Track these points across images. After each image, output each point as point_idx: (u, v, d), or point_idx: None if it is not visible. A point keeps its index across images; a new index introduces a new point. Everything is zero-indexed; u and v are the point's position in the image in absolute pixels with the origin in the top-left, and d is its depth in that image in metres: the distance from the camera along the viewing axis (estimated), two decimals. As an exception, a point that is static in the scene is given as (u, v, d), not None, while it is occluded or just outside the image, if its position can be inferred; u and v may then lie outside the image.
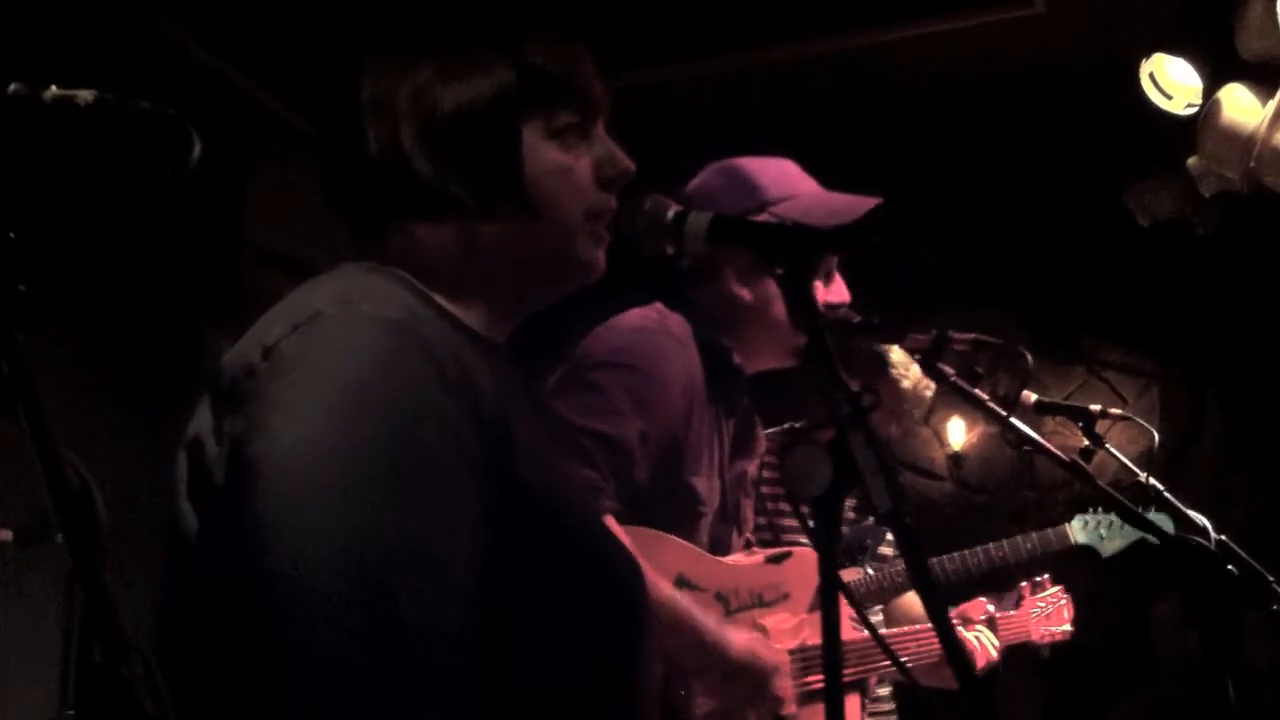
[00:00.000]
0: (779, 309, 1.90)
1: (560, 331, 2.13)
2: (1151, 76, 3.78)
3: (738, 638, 1.84)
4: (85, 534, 0.70)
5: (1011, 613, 2.68)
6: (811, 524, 1.11)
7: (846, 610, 1.28)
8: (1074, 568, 2.92)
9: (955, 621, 2.50)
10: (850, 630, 2.02)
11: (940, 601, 1.05)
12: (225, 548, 0.93)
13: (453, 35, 1.16)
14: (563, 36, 1.17)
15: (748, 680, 1.82)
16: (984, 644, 2.47)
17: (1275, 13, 3.20)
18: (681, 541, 1.89)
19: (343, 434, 0.93)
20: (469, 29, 1.16)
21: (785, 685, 1.85)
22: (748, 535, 2.11)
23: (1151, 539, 2.27)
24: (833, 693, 1.08)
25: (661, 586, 1.77)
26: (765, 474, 2.39)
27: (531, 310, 1.21)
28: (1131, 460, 2.24)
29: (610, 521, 1.73)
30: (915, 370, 2.98)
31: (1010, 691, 4.47)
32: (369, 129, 1.11)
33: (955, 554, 3.03)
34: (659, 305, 1.95)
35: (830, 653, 1.07)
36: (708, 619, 1.81)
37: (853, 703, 2.12)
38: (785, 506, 2.71)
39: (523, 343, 1.25)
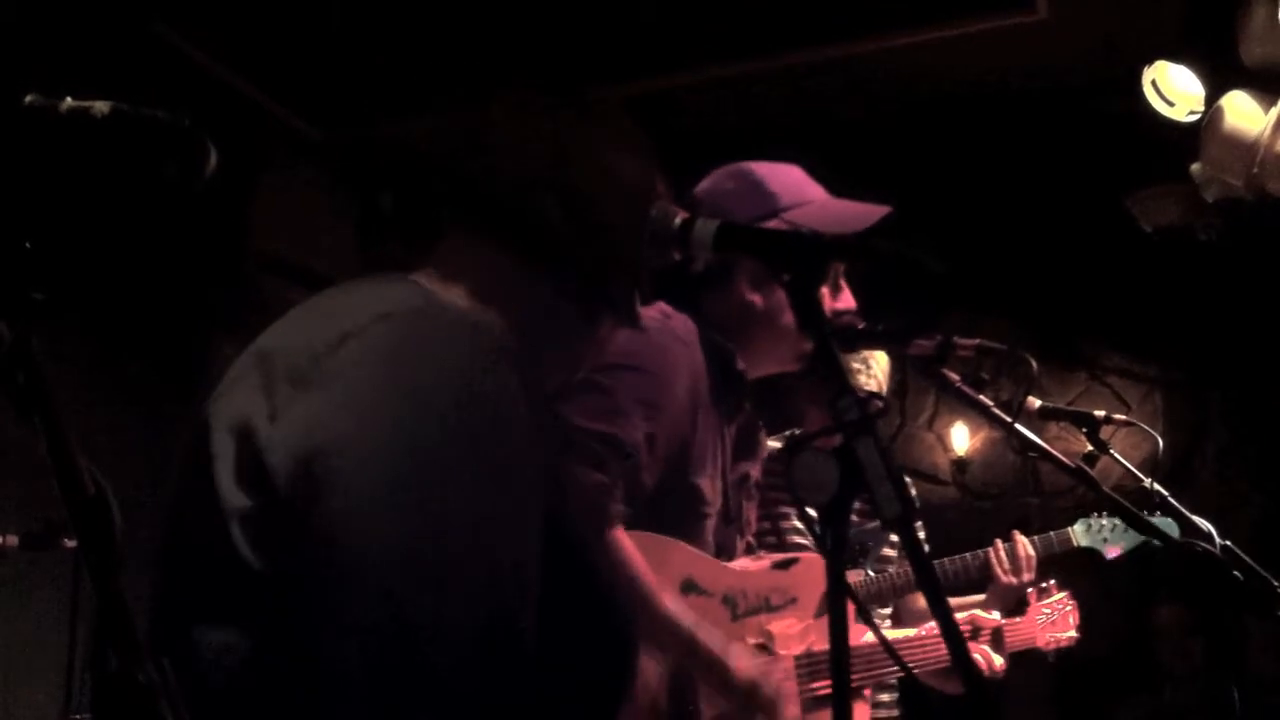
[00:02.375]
0: (789, 316, 1.90)
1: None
2: (1154, 84, 3.78)
3: (742, 662, 1.82)
4: (101, 542, 0.70)
5: (1018, 619, 2.68)
6: (818, 530, 1.10)
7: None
8: (1077, 574, 2.92)
9: (965, 629, 2.50)
10: (855, 636, 2.02)
11: (947, 609, 1.05)
12: (287, 527, 0.92)
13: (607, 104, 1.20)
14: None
15: (750, 701, 1.81)
16: (990, 656, 2.49)
17: (1277, 19, 3.21)
18: (688, 546, 1.88)
19: (419, 434, 0.93)
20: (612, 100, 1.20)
21: (791, 710, 1.85)
22: (749, 539, 2.11)
23: (1155, 542, 2.27)
24: (840, 698, 1.08)
25: (665, 602, 1.77)
26: (768, 478, 2.39)
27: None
28: (1135, 466, 2.25)
29: (619, 532, 1.73)
30: (880, 369, 2.99)
31: (1015, 699, 4.46)
32: (499, 154, 1.12)
33: (955, 556, 3.02)
34: (663, 305, 1.95)
35: (838, 658, 1.07)
36: (712, 638, 1.80)
37: (861, 710, 2.12)
38: (788, 510, 2.71)
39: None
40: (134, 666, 0.67)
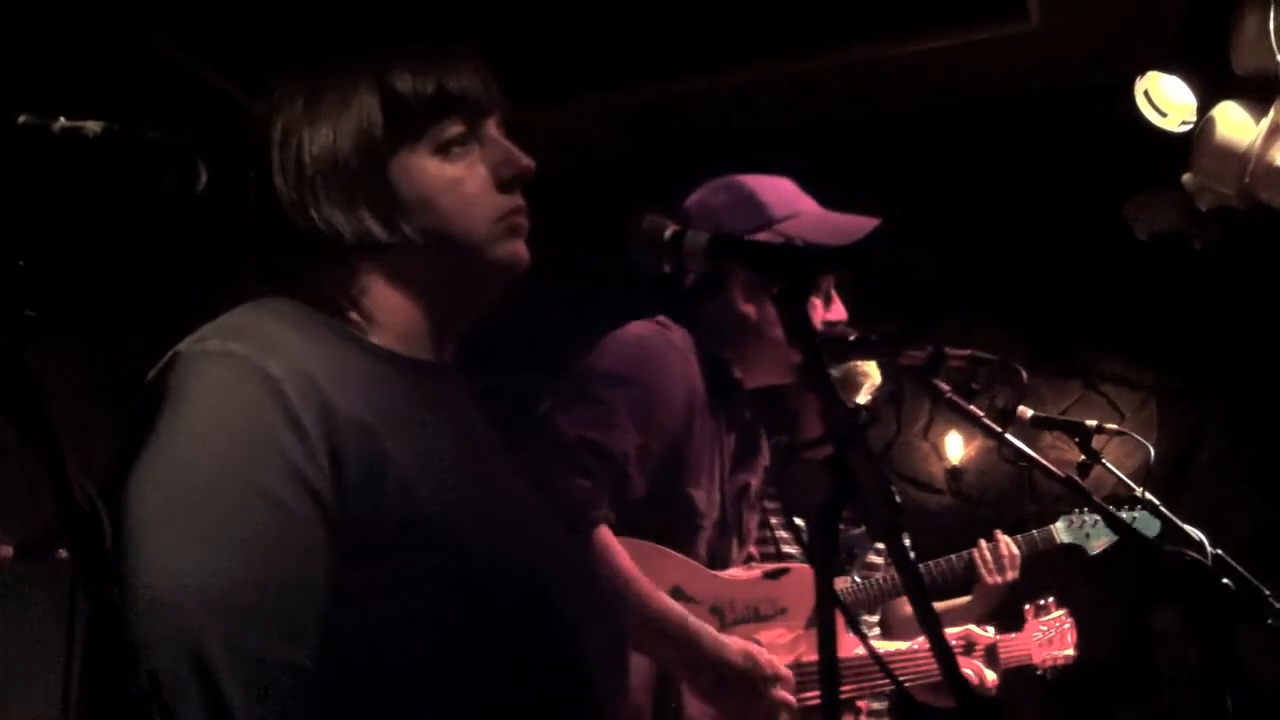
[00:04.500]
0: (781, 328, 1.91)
1: (559, 343, 2.13)
2: (1146, 94, 3.79)
3: (735, 643, 1.83)
4: (93, 554, 0.71)
5: (1013, 635, 2.69)
6: (808, 539, 1.11)
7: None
8: (1077, 580, 2.93)
9: (959, 644, 2.51)
10: (846, 648, 2.02)
11: (936, 625, 1.05)
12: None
13: (312, 69, 1.12)
14: (433, 47, 1.13)
15: (745, 685, 1.81)
16: (983, 671, 2.50)
17: (1269, 29, 3.22)
18: (677, 555, 1.89)
19: (177, 475, 0.95)
20: (328, 62, 1.13)
21: (785, 693, 1.84)
22: (749, 549, 2.11)
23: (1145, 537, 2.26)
24: (829, 707, 1.09)
25: (657, 597, 1.78)
26: (767, 489, 2.40)
27: (469, 318, 1.18)
28: (1128, 475, 2.26)
29: (604, 532, 1.74)
30: (872, 374, 3.00)
31: (1012, 704, 4.46)
32: (251, 177, 1.11)
33: (940, 559, 3.03)
34: (661, 318, 1.96)
35: (827, 668, 1.08)
36: (704, 626, 1.81)
37: None
38: (777, 519, 2.72)
39: (521, 355, 1.25)
40: (125, 676, 0.67)
